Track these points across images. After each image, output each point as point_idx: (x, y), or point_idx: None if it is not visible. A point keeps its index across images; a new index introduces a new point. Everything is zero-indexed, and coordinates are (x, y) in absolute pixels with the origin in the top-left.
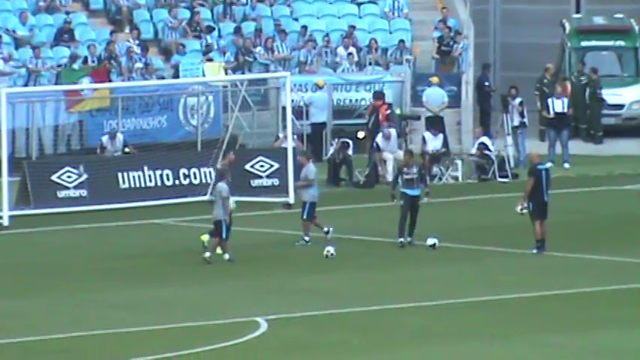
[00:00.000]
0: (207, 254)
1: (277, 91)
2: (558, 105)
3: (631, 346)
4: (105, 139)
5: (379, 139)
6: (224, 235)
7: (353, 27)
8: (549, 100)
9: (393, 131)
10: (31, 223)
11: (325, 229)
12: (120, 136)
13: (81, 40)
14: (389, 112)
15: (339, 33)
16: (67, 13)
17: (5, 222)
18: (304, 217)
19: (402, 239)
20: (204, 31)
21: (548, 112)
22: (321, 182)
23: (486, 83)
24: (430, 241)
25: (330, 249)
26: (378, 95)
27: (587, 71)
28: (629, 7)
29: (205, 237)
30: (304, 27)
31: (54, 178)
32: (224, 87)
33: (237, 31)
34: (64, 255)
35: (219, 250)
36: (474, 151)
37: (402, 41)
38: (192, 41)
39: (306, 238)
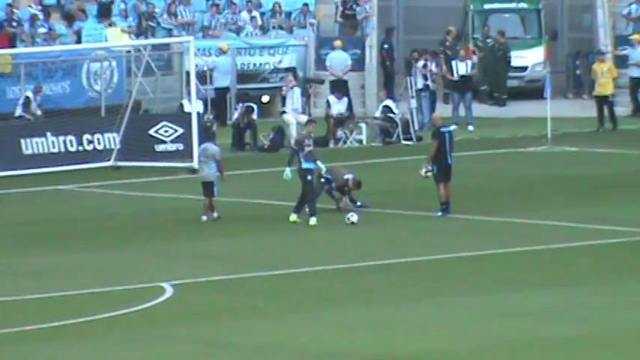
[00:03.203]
0: (204, 217)
1: (181, 55)
2: (462, 67)
3: (536, 308)
4: (30, 93)
5: None
6: (215, 194)
7: None
8: (453, 63)
9: None
10: None
11: None
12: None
13: None
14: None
15: None
16: None
17: None
18: None
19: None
20: None
21: (452, 75)
22: (226, 147)
23: (385, 46)
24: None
25: None
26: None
27: (493, 34)
28: None
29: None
30: None
31: None
32: (127, 52)
33: None
34: None
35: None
36: (378, 114)
37: (305, 5)
38: (94, 6)
39: None
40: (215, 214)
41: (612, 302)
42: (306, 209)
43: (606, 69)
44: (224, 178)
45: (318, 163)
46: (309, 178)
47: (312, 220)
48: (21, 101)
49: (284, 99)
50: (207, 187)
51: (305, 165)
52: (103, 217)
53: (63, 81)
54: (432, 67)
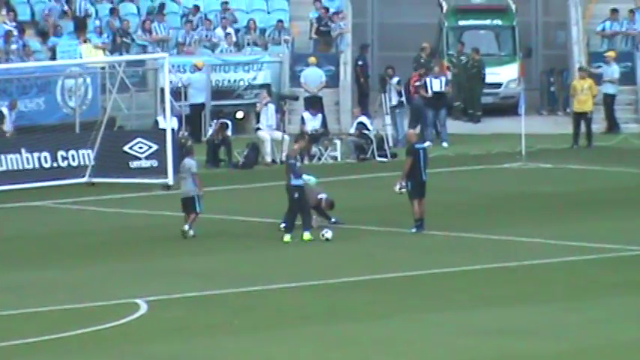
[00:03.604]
0: (186, 227)
1: (155, 72)
2: (436, 84)
3: (509, 325)
4: (5, 110)
5: None
6: (198, 209)
7: (226, 2)
8: (427, 80)
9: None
10: None
11: None
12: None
13: None
14: (418, 83)
15: (215, 13)
16: None
17: None
18: None
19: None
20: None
21: (427, 92)
22: (201, 163)
23: (359, 62)
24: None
25: None
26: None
27: (467, 51)
28: None
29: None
30: (196, 6)
31: None
32: (102, 68)
33: (113, 12)
34: None
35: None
36: (352, 130)
37: (280, 21)
38: (69, 23)
39: None
40: (191, 232)
41: (585, 319)
42: (282, 224)
43: (587, 86)
44: (200, 192)
45: (305, 177)
46: (296, 195)
47: (287, 237)
48: None
49: (258, 115)
50: (187, 203)
51: (294, 182)
52: (77, 233)
53: (37, 97)
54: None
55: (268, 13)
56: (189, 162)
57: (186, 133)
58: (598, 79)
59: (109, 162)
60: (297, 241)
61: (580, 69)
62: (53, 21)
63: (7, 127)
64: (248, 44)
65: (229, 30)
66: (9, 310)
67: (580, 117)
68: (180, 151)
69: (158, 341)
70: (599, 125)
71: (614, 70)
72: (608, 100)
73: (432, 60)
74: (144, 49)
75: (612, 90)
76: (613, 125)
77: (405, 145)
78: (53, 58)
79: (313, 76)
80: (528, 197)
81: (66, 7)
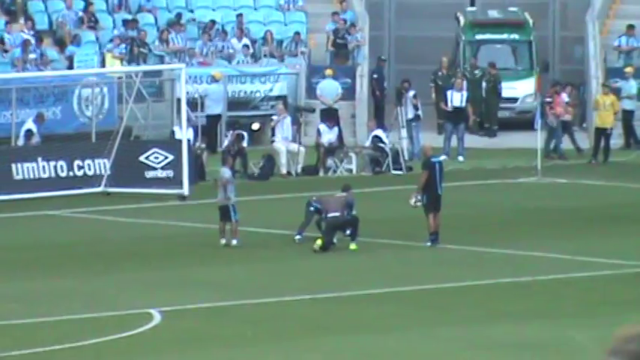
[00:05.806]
0: (234, 242)
1: (172, 82)
2: (457, 98)
3: (521, 340)
4: (32, 124)
5: None
6: (234, 219)
7: (240, 15)
8: (448, 93)
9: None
10: None
11: None
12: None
13: None
14: (548, 99)
15: (233, 25)
16: None
17: None
18: None
19: (299, 236)
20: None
21: (447, 105)
22: (216, 174)
23: (374, 75)
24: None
25: None
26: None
27: (482, 65)
28: (524, 0)
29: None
30: (212, 21)
31: None
32: (119, 78)
33: (130, 23)
34: None
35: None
36: (368, 143)
37: (297, 33)
38: (86, 32)
39: None
40: (234, 242)
41: (597, 335)
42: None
43: (609, 102)
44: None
45: None
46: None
47: (353, 246)
48: (22, 133)
49: (273, 129)
50: (223, 211)
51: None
52: (92, 242)
53: (54, 106)
54: (565, 97)
55: (285, 24)
56: (228, 173)
57: (203, 146)
58: (617, 94)
59: (125, 172)
60: (310, 253)
61: (603, 85)
62: (69, 29)
63: (36, 141)
64: (265, 56)
65: (245, 41)
66: (24, 318)
67: (601, 132)
68: (195, 162)
69: (171, 352)
70: (616, 141)
71: (631, 86)
72: (627, 117)
73: (452, 74)
74: (161, 59)
75: (630, 106)
76: (633, 142)
77: (421, 159)
78: (70, 67)
79: (329, 88)
80: (543, 212)
81: (81, 14)
